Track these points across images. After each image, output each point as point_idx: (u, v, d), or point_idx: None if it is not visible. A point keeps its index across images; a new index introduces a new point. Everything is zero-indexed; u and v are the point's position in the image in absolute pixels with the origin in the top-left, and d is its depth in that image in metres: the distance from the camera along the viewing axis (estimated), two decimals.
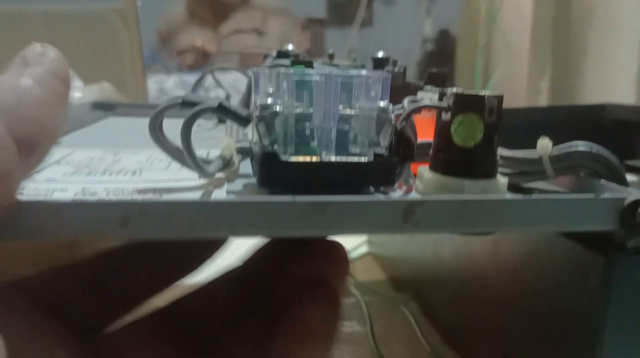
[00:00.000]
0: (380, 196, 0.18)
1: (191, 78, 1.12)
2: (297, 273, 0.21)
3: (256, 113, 0.20)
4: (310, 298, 0.20)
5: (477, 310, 0.32)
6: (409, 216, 0.18)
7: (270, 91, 0.21)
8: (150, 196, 0.18)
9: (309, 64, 0.28)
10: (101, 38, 0.63)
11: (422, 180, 0.23)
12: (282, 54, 0.34)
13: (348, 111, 0.21)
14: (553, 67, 0.84)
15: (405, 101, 0.25)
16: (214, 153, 0.29)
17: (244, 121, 0.20)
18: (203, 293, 0.22)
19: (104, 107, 0.45)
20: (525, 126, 0.57)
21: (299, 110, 0.20)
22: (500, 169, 0.25)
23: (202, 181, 0.23)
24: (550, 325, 0.24)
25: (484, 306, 0.31)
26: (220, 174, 0.24)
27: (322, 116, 0.20)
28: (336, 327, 0.20)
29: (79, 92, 0.49)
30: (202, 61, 1.33)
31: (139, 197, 0.18)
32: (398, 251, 0.47)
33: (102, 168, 0.26)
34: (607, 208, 0.19)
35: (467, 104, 0.22)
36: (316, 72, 0.20)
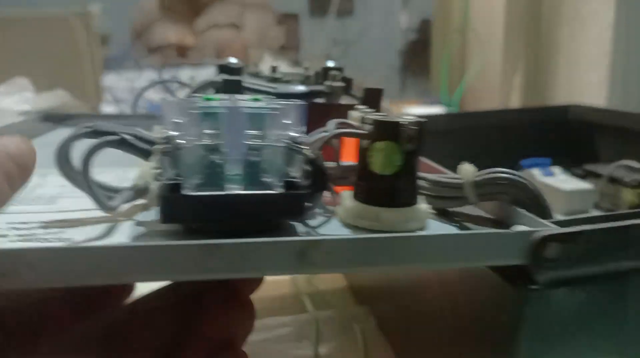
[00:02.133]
0: (275, 237, 0.17)
1: (164, 75, 1.11)
2: (206, 331, 0.21)
3: (159, 146, 0.19)
4: None
5: (422, 329, 0.31)
6: (304, 257, 0.17)
7: (178, 122, 0.20)
8: (37, 244, 0.17)
9: (237, 84, 0.28)
10: (61, 43, 0.61)
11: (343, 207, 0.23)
12: (224, 68, 0.33)
13: (259, 142, 0.20)
14: (526, 64, 0.84)
15: (331, 125, 0.24)
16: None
17: (146, 154, 0.19)
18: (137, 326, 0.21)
19: (55, 119, 0.44)
20: (492, 128, 0.56)
21: (205, 142, 0.19)
22: (428, 192, 0.24)
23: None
24: (476, 351, 0.24)
25: (426, 324, 0.30)
26: (142, 201, 0.24)
27: (228, 148, 0.19)
28: None
29: (27, 105, 0.48)
30: (178, 57, 1.31)
31: (17, 245, 0.17)
32: None
33: (21, 195, 0.25)
34: (517, 242, 0.19)
35: (385, 131, 0.21)
36: (221, 104, 0.19)
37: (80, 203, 0.23)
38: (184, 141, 0.19)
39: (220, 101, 0.20)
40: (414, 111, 0.86)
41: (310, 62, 0.38)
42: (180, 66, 1.19)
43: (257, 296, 0.46)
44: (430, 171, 0.27)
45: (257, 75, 0.38)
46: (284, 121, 0.20)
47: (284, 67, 0.39)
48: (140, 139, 0.20)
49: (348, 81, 0.34)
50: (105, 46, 1.25)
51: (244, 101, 0.20)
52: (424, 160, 0.30)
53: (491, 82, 0.88)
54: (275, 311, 0.43)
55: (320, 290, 0.46)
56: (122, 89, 1.00)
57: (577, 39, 0.77)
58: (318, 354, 0.34)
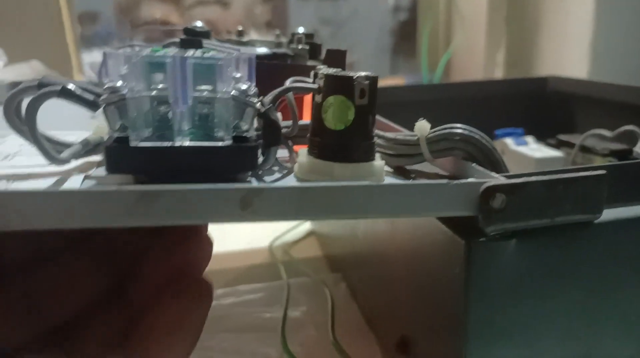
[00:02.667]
0: (218, 184, 0.17)
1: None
2: (158, 266, 0.21)
3: (104, 97, 0.19)
4: (171, 293, 0.19)
5: (384, 291, 0.31)
6: (247, 205, 0.17)
7: (123, 73, 0.20)
8: None
9: (197, 44, 0.27)
10: (38, 14, 0.60)
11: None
12: (189, 31, 0.33)
13: (207, 94, 0.20)
14: (509, 40, 0.84)
15: (288, 83, 0.24)
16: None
17: (91, 105, 0.19)
18: (64, 273, 0.21)
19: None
20: (472, 99, 0.56)
21: (153, 93, 0.19)
22: (385, 150, 0.24)
23: (69, 167, 0.22)
24: (431, 308, 0.24)
25: (387, 287, 0.30)
26: (96, 157, 0.24)
27: (173, 99, 0.19)
28: (200, 319, 0.20)
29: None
30: (165, 34, 1.29)
31: None
32: (332, 229, 0.47)
33: None
34: (464, 194, 0.19)
35: (337, 86, 0.21)
36: (168, 54, 0.19)
37: (37, 160, 0.23)
38: (130, 92, 0.19)
39: (167, 52, 0.20)
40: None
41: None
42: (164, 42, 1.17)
43: (234, 265, 0.46)
44: (390, 131, 0.27)
45: (225, 41, 0.37)
46: (234, 74, 0.20)
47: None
48: (87, 90, 0.20)
49: (316, 46, 0.34)
50: (93, 24, 1.23)
51: (193, 52, 0.20)
52: (384, 120, 0.30)
53: (474, 59, 0.88)
54: (250, 279, 0.43)
55: (296, 258, 0.47)
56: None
57: (560, 14, 0.76)
58: (286, 317, 0.34)
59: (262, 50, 0.30)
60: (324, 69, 0.22)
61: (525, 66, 0.82)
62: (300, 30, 0.37)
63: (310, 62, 0.32)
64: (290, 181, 0.22)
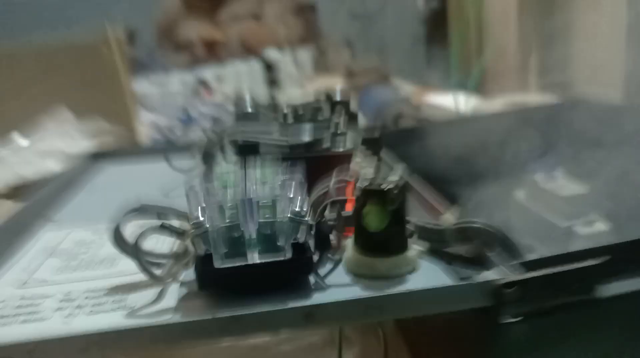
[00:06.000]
0: (285, 303, 0.22)
1: (190, 77, 1.15)
2: None
3: (192, 232, 0.24)
4: None
5: (426, 338, 0.36)
6: (310, 318, 0.22)
7: (203, 206, 0.25)
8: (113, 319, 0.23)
9: (254, 147, 0.32)
10: (91, 70, 0.66)
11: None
12: (241, 116, 0.38)
13: (270, 219, 0.25)
14: (541, 44, 0.85)
15: (332, 185, 0.29)
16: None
17: (181, 236, 0.25)
18: None
19: (102, 157, 0.50)
20: (503, 127, 0.59)
21: (228, 223, 0.24)
22: (420, 234, 0.29)
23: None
24: None
25: (425, 338, 0.35)
26: (184, 261, 0.29)
27: (244, 226, 0.24)
28: None
29: (72, 139, 0.53)
30: (206, 53, 1.35)
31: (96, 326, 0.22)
32: None
33: (88, 257, 0.31)
34: (482, 289, 0.23)
35: (371, 197, 0.26)
36: (235, 197, 0.24)
37: (133, 267, 0.29)
38: (210, 225, 0.24)
39: (234, 188, 0.25)
40: (434, 99, 0.88)
41: (319, 87, 0.42)
42: (206, 64, 1.23)
43: None
44: (424, 204, 0.31)
45: (273, 108, 0.42)
46: (289, 195, 0.25)
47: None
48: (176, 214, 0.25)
49: (353, 116, 0.39)
50: (131, 46, 1.29)
51: (253, 184, 0.25)
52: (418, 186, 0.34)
53: (507, 64, 0.89)
54: None
55: None
56: (155, 95, 1.04)
57: (592, 16, 0.77)
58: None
59: (306, 138, 0.34)
60: (359, 182, 0.26)
61: (558, 70, 0.83)
62: (338, 96, 0.42)
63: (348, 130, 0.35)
64: (340, 273, 0.27)
